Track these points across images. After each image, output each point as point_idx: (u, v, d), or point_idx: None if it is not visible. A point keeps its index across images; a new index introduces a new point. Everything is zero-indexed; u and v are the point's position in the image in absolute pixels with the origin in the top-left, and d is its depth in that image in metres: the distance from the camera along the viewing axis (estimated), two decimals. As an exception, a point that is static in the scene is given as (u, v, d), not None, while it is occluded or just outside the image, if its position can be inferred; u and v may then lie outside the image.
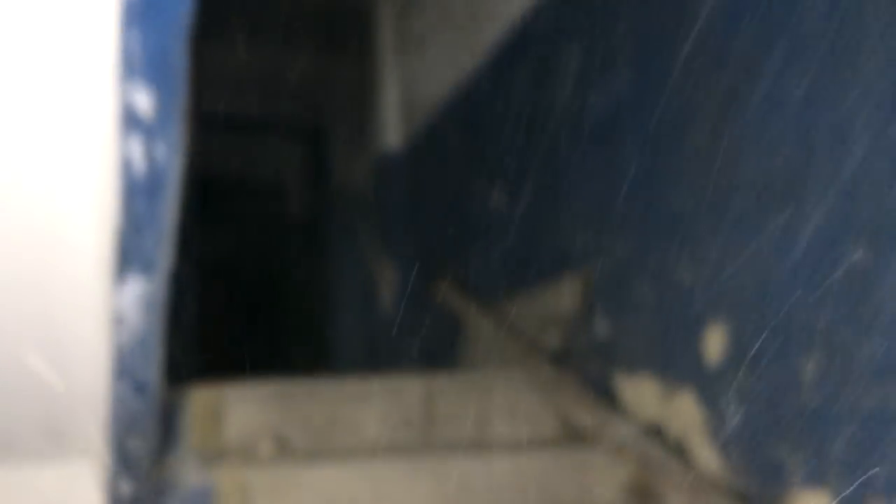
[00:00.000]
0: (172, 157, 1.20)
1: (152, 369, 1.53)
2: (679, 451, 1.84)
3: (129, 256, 1.31)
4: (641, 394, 1.97)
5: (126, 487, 1.76)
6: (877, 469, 1.41)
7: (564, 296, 2.25)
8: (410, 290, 3.32)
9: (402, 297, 3.41)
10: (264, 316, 5.02)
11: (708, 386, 1.78)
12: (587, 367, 2.15)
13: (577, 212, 2.25)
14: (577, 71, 2.27)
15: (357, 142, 4.20)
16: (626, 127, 2.07)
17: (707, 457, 1.76)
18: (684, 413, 1.84)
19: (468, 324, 2.69)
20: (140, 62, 1.07)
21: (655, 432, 1.91)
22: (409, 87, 3.52)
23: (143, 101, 1.12)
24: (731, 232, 1.71)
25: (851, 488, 1.44)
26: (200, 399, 1.88)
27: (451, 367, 2.77)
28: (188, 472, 1.68)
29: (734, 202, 1.72)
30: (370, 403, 2.00)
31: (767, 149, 1.64)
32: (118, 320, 1.41)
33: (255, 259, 5.12)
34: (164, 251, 1.33)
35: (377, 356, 3.67)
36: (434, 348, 3.02)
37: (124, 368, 1.49)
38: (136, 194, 1.22)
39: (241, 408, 1.89)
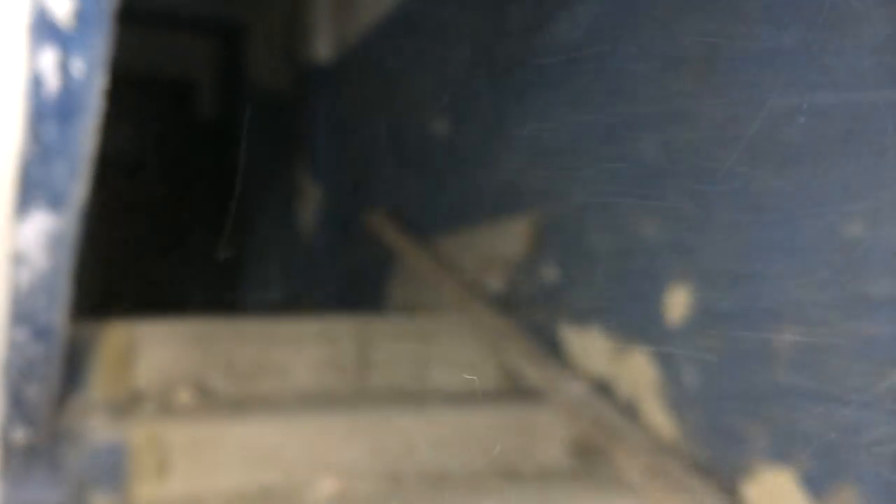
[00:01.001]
0: (93, 75, 0.98)
1: (56, 313, 1.32)
2: (630, 411, 1.75)
3: (34, 189, 1.09)
4: (590, 348, 1.87)
5: (20, 434, 1.57)
6: (849, 454, 1.34)
7: (510, 237, 2.11)
8: (336, 215, 3.12)
9: (327, 221, 3.21)
10: (169, 225, 4.73)
11: (665, 347, 1.68)
12: (532, 314, 2.03)
13: (529, 147, 2.09)
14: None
15: (280, 43, 3.90)
16: (589, 58, 1.90)
17: (660, 420, 1.68)
18: (637, 372, 1.74)
19: (401, 258, 2.52)
20: (57, -46, 0.84)
21: (604, 389, 1.81)
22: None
23: (62, 5, 0.89)
24: (708, 188, 1.59)
25: (820, 471, 1.37)
26: (111, 338, 1.67)
27: (378, 303, 2.61)
28: (96, 425, 1.50)
29: (711, 154, 1.59)
30: (300, 346, 1.83)
31: (753, 103, 1.51)
32: (17, 259, 1.19)
33: (161, 163, 4.78)
34: (77, 183, 1.11)
35: (295, 281, 3.48)
36: (360, 281, 2.86)
37: (24, 312, 1.28)
38: (46, 117, 0.99)
39: (157, 349, 1.70)
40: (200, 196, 4.66)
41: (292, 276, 3.52)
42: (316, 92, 3.37)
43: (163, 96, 5.06)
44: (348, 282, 2.97)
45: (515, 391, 1.91)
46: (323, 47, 3.30)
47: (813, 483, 1.38)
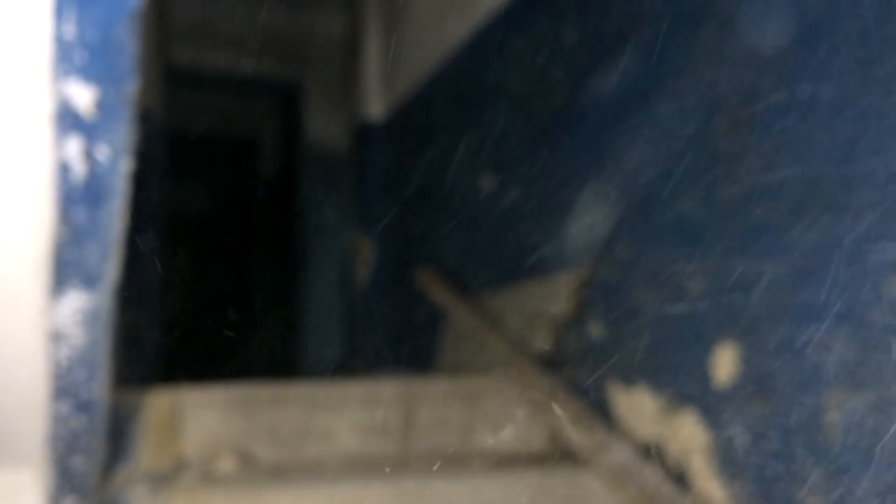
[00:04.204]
0: (118, 160, 1.01)
1: (97, 386, 1.35)
2: (679, 476, 1.69)
3: (67, 269, 1.12)
4: (638, 409, 1.82)
5: (69, 503, 1.60)
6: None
7: (556, 295, 2.09)
8: (389, 271, 3.14)
9: (381, 278, 3.23)
10: (230, 278, 4.81)
11: (714, 408, 1.63)
12: (579, 374, 1.99)
13: (575, 204, 2.08)
14: (582, 49, 2.08)
15: (335, 102, 3.99)
16: (635, 115, 1.89)
17: (711, 486, 1.62)
18: (686, 434, 1.69)
19: (450, 315, 2.51)
20: (78, 53, 0.87)
21: (652, 452, 1.76)
22: (392, 54, 3.30)
23: (83, 96, 0.92)
24: (752, 247, 1.55)
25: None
26: (156, 406, 1.70)
27: (429, 361, 2.60)
28: (140, 495, 1.51)
29: (754, 212, 1.55)
30: (344, 411, 1.83)
31: (798, 155, 1.47)
32: (56, 336, 1.22)
33: (224, 217, 4.90)
34: (110, 263, 1.14)
35: (350, 337, 3.50)
36: (412, 337, 2.85)
37: (65, 387, 1.31)
38: (75, 202, 1.02)
39: (201, 417, 1.71)
40: (261, 251, 4.75)
41: (348, 332, 3.54)
42: (369, 149, 3.42)
43: (227, 155, 5.21)
44: (400, 338, 2.97)
45: (562, 455, 1.87)
46: (375, 106, 3.36)
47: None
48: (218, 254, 4.64)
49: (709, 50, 1.66)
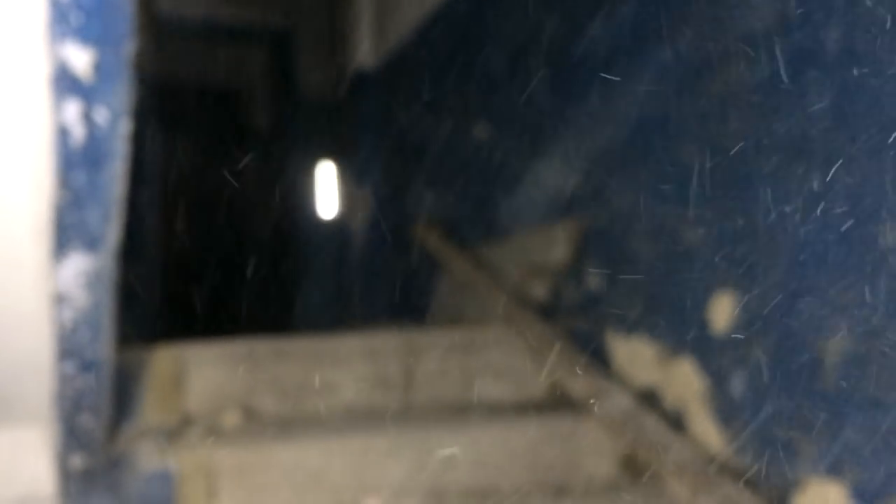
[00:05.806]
0: (118, 122, 1.00)
1: (101, 346, 1.36)
2: (677, 422, 1.72)
3: (69, 232, 1.12)
4: (637, 356, 1.84)
5: (77, 460, 1.61)
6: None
7: (554, 244, 2.09)
8: (385, 223, 3.14)
9: (375, 229, 3.23)
10: (221, 229, 4.79)
11: (711, 354, 1.65)
12: (577, 323, 2.01)
13: (572, 153, 2.07)
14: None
15: (326, 50, 3.94)
16: (632, 64, 1.88)
17: (708, 431, 1.65)
18: (684, 381, 1.71)
19: (447, 267, 2.52)
20: (74, 14, 0.86)
21: (651, 399, 1.79)
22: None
23: (80, 59, 0.91)
24: (751, 195, 1.55)
25: (872, 484, 1.33)
26: (160, 363, 1.71)
27: (426, 311, 2.62)
28: (146, 451, 1.53)
29: (754, 160, 1.55)
30: (345, 364, 1.84)
31: (796, 106, 1.46)
32: (59, 298, 1.23)
33: (216, 168, 4.86)
34: (111, 225, 1.14)
35: (347, 288, 3.51)
36: (409, 289, 2.87)
37: (70, 347, 1.32)
38: (75, 166, 1.02)
39: (205, 372, 1.73)
40: (254, 202, 4.72)
41: (344, 284, 3.55)
42: (361, 98, 3.39)
43: (216, 105, 5.14)
44: (397, 290, 2.99)
45: (561, 403, 1.90)
46: (367, 53, 3.32)
47: (865, 497, 1.34)
48: (209, 205, 4.61)
49: (707, -4, 1.64)
